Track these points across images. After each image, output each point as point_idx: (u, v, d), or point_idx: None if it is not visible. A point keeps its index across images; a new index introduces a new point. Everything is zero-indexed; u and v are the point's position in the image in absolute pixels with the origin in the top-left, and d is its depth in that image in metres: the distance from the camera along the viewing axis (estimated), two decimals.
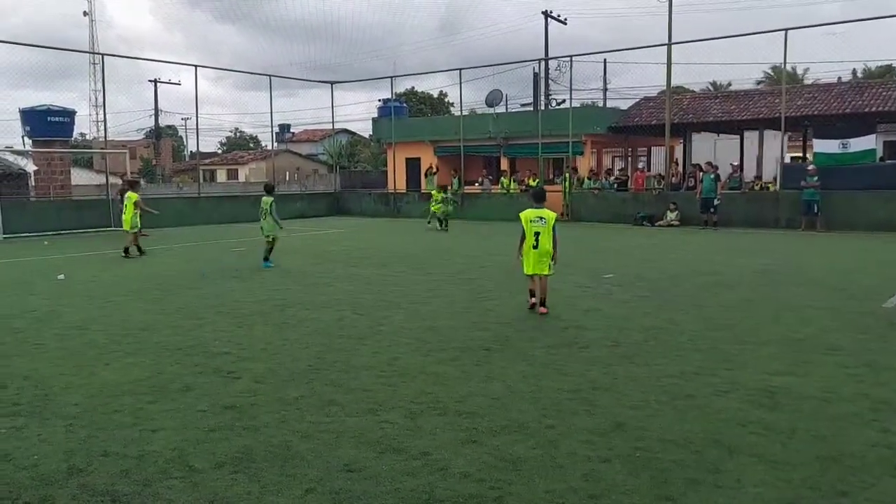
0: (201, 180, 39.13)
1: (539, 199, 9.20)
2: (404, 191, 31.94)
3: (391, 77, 31.99)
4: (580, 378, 5.90)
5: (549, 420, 4.90)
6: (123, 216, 15.53)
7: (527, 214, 8.86)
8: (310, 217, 29.02)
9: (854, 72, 42.91)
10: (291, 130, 66.72)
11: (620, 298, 9.70)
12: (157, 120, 57.70)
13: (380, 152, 47.06)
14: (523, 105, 34.88)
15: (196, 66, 26.88)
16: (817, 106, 25.54)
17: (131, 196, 15.53)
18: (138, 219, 15.40)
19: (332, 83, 32.76)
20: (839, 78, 36.57)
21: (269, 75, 30.36)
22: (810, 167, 20.76)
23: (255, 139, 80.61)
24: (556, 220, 8.93)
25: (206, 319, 8.53)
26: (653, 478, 3.95)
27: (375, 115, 36.19)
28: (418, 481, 3.92)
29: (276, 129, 47.68)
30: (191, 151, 64.47)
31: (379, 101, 36.32)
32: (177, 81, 55.39)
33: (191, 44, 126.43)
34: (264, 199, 13.53)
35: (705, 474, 3.98)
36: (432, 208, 23.16)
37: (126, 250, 15.26)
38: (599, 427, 4.75)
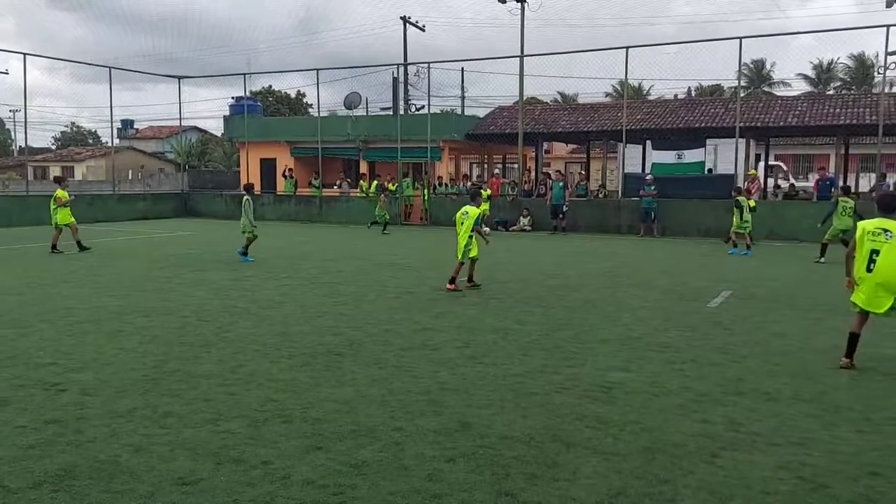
0: (30, 177, 35.99)
1: (472, 197, 11.54)
2: (259, 192, 30.98)
3: (244, 74, 30.97)
4: (430, 380, 5.96)
5: (397, 423, 4.90)
6: (56, 216, 15.62)
7: (460, 210, 10.97)
8: (154, 219, 27.42)
9: (689, 90, 46.59)
10: (135, 126, 62.88)
11: (472, 300, 9.92)
12: None
13: (233, 152, 45.47)
14: (383, 109, 34.94)
15: (25, 54, 24.76)
16: (654, 120, 27.48)
17: (59, 193, 15.69)
18: (69, 213, 15.70)
19: (179, 78, 31.20)
20: (675, 95, 39.62)
21: (110, 67, 28.35)
22: (648, 177, 22.28)
23: (94, 134, 75.29)
24: (479, 215, 10.94)
25: (31, 328, 7.82)
26: (494, 474, 4.04)
27: (228, 112, 34.89)
28: (257, 491, 3.78)
29: (118, 125, 44.84)
30: (20, 146, 59.01)
31: (231, 98, 35.05)
32: (4, 70, 50.60)
33: (24, 31, 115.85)
34: (244, 198, 14.63)
35: (544, 468, 4.14)
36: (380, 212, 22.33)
37: (80, 244, 15.61)
38: (446, 427, 4.81)
